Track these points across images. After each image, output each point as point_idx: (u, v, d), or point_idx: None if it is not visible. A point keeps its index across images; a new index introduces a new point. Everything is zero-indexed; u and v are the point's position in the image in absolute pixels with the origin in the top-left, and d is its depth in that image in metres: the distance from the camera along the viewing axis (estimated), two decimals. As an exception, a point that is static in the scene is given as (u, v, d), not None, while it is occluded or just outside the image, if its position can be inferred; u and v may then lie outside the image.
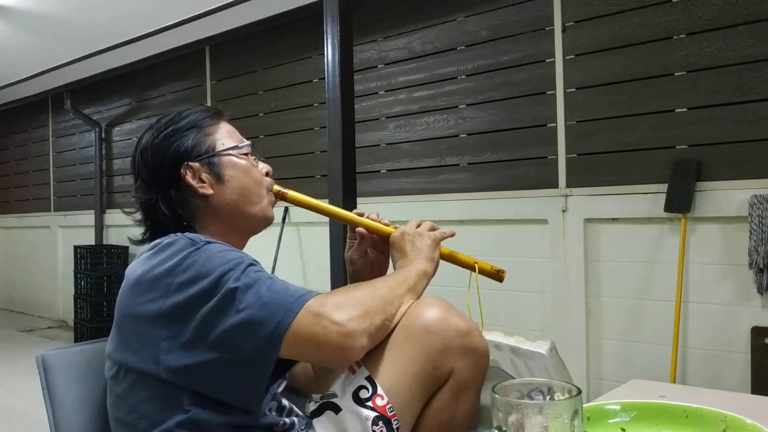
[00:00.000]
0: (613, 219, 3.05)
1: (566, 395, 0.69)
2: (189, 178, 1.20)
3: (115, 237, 6.13)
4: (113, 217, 6.16)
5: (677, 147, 2.88)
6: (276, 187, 1.30)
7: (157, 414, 1.05)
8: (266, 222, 1.28)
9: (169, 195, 1.20)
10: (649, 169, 2.94)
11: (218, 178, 1.21)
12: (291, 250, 4.49)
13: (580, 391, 0.68)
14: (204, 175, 1.20)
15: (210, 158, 1.21)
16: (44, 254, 7.24)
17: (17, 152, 7.84)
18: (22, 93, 6.74)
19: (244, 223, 1.25)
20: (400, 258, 1.24)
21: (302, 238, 4.46)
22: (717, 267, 2.77)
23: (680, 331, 2.79)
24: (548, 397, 0.70)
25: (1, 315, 7.50)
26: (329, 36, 3.06)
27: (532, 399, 0.69)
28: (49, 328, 6.63)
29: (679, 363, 2.81)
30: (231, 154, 1.24)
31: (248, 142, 1.29)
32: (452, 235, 1.32)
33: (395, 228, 1.30)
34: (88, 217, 6.40)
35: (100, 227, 6.30)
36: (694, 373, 2.81)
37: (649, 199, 2.90)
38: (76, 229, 6.68)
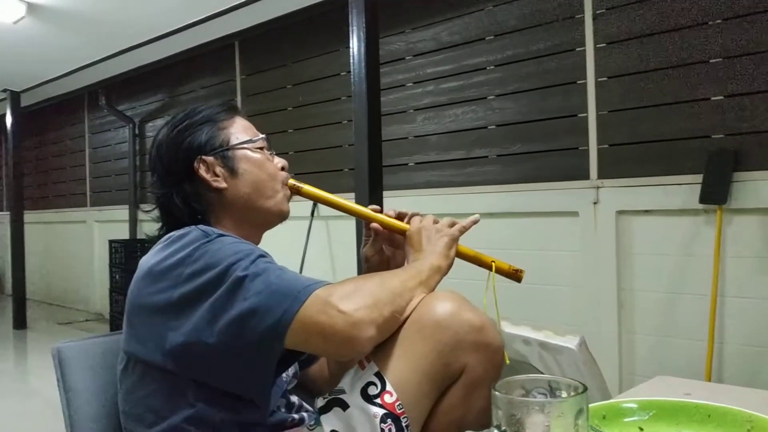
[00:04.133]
0: (646, 211, 2.97)
1: (572, 393, 0.65)
2: (203, 171, 1.20)
3: (148, 231, 6.19)
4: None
5: (713, 136, 2.79)
6: (291, 181, 1.28)
7: (162, 407, 1.05)
8: (281, 216, 1.27)
9: (183, 189, 1.20)
10: (683, 160, 2.85)
11: (232, 171, 1.21)
12: (320, 244, 4.49)
13: (585, 389, 0.64)
14: (218, 169, 1.20)
15: (224, 152, 1.21)
16: (81, 248, 7.38)
17: (55, 149, 8.00)
18: (58, 90, 6.86)
19: (258, 217, 1.24)
20: (415, 252, 1.21)
21: (331, 232, 4.45)
22: (755, 260, 2.68)
23: (716, 327, 2.71)
24: (553, 395, 0.67)
25: (41, 308, 7.67)
26: (355, 28, 3.04)
27: (534, 397, 0.66)
28: (86, 320, 6.76)
29: (715, 359, 2.72)
30: (245, 148, 1.23)
31: (262, 136, 1.28)
32: (474, 223, 1.28)
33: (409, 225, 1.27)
34: (123, 212, 6.50)
35: (134, 222, 6.40)
36: (731, 371, 2.72)
37: (684, 190, 2.82)
38: (111, 223, 6.79)
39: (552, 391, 0.67)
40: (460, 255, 1.25)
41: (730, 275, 2.73)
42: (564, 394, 0.66)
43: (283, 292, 0.99)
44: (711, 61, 2.78)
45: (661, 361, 2.92)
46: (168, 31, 4.77)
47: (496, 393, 0.64)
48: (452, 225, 1.25)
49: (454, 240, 1.22)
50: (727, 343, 2.74)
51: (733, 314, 2.72)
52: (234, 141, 1.23)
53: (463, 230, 1.25)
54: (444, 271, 1.17)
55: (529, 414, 0.61)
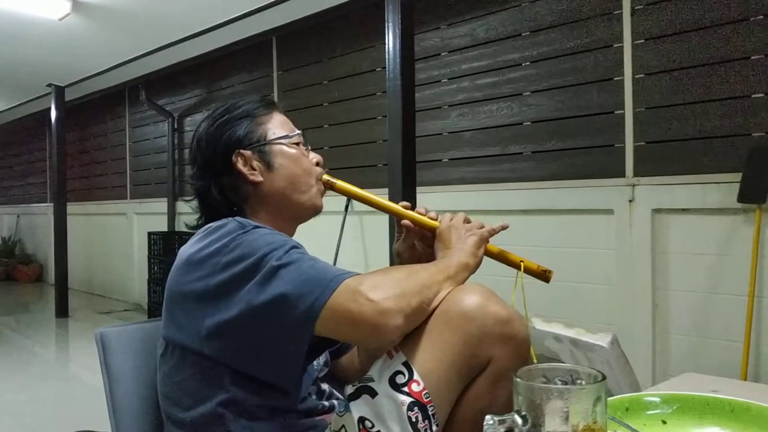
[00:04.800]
0: (683, 209, 2.93)
1: (591, 382, 0.67)
2: (240, 165, 1.24)
3: (187, 223, 6.30)
4: (185, 204, 6.33)
5: (753, 134, 2.74)
6: (325, 177, 1.32)
7: (199, 391, 1.09)
8: (314, 210, 1.30)
9: (221, 181, 1.25)
10: (721, 158, 2.81)
11: (268, 165, 1.25)
12: (353, 239, 4.52)
13: (604, 377, 0.66)
14: (255, 163, 1.24)
15: (261, 146, 1.25)
16: (121, 240, 7.55)
17: (96, 142, 8.19)
18: (100, 85, 7.03)
19: (292, 211, 1.28)
20: (444, 249, 1.23)
21: (364, 227, 4.48)
22: (795, 261, 2.63)
23: (753, 328, 2.67)
24: (573, 384, 0.68)
25: (82, 297, 7.87)
26: (390, 24, 3.06)
27: (555, 384, 0.68)
28: (125, 310, 6.92)
29: (752, 361, 2.68)
30: (282, 143, 1.27)
31: (299, 132, 1.32)
32: (503, 228, 1.30)
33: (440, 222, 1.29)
34: (162, 205, 6.63)
35: (172, 214, 6.53)
36: (768, 372, 2.68)
37: (722, 188, 2.78)
38: (150, 216, 6.93)
39: (572, 379, 0.69)
40: (489, 253, 1.26)
41: (768, 276, 2.68)
42: (583, 383, 0.68)
43: (315, 280, 1.02)
44: (752, 57, 2.73)
45: (695, 360, 2.89)
46: (207, 27, 4.85)
47: (518, 379, 0.66)
48: (481, 227, 1.27)
49: (483, 240, 1.24)
50: (764, 345, 2.70)
51: (771, 315, 2.68)
52: (271, 136, 1.27)
53: (493, 233, 1.27)
54: (472, 269, 1.19)
55: (548, 400, 0.63)
